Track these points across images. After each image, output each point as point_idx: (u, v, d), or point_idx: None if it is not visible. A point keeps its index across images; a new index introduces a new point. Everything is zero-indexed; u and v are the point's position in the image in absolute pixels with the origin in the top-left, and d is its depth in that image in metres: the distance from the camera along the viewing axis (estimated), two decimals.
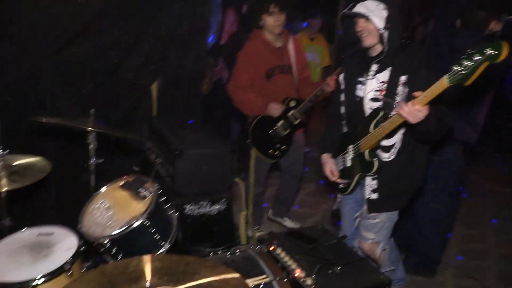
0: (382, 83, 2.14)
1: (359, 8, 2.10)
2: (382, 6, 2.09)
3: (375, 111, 2.15)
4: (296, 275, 1.82)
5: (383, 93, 2.13)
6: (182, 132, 2.62)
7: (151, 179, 2.22)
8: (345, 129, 2.40)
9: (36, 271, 1.80)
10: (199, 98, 3.60)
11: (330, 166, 2.44)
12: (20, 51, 2.58)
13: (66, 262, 1.85)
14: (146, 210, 2.00)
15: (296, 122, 3.19)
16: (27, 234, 2.06)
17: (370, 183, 2.27)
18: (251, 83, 3.11)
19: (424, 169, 2.32)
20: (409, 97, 1.97)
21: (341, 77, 2.39)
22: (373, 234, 2.33)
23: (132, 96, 3.03)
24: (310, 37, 5.18)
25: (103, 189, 2.25)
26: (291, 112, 3.17)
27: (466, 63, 1.65)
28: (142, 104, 3.07)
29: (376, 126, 2.12)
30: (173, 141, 2.45)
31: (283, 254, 1.97)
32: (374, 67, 2.18)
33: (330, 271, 1.86)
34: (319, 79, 5.16)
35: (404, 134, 2.17)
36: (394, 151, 2.20)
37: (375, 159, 2.19)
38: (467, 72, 1.65)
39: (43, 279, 1.77)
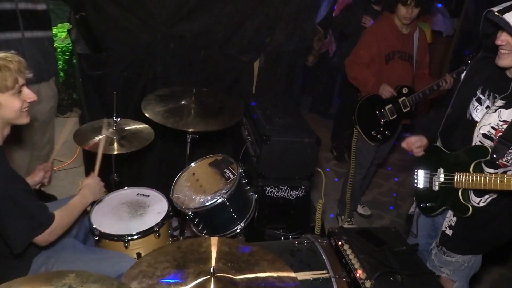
0: (504, 123, 1.79)
1: (509, 18, 1.66)
2: None
3: (482, 150, 1.85)
4: (357, 275, 1.83)
5: (500, 134, 1.79)
6: (274, 115, 2.72)
7: (237, 162, 2.40)
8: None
9: (132, 228, 2.13)
10: (299, 77, 3.65)
11: (414, 139, 2.20)
12: (140, 23, 2.84)
13: (156, 224, 2.15)
14: (227, 191, 2.20)
15: (405, 110, 3.17)
16: (128, 192, 2.41)
17: (451, 217, 2.08)
18: (370, 62, 3.14)
19: None
20: None
21: (462, 76, 2.10)
22: (448, 271, 2.17)
23: (234, 72, 3.18)
24: None
25: (194, 163, 2.49)
26: (402, 98, 3.15)
27: None
28: (242, 80, 3.22)
29: (476, 167, 1.87)
30: (263, 125, 2.58)
31: (349, 252, 1.99)
32: (503, 94, 1.81)
33: (391, 279, 1.83)
34: None
35: None
36: (487, 198, 1.94)
37: (469, 203, 1.95)
38: None
39: (136, 236, 2.09)
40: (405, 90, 3.14)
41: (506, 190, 1.72)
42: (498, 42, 1.75)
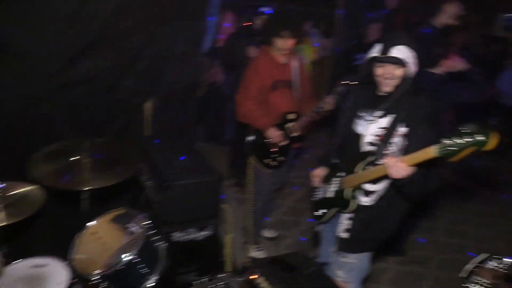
0: (382, 129, 2.17)
1: (396, 53, 2.08)
2: (413, 54, 2.11)
3: (366, 154, 2.21)
4: None
5: (380, 139, 2.16)
6: (172, 157, 2.70)
7: (140, 213, 2.32)
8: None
9: None
10: (194, 111, 3.67)
11: (319, 172, 2.51)
12: (20, 73, 2.62)
13: None
14: (134, 247, 2.11)
15: (294, 135, 3.32)
16: (21, 266, 2.17)
17: (344, 222, 2.34)
18: (258, 94, 3.22)
19: (400, 221, 2.36)
20: (405, 151, 2.01)
21: (344, 103, 2.44)
22: (343, 273, 2.41)
23: (126, 116, 3.10)
24: None
25: (94, 222, 2.35)
26: (290, 124, 3.30)
27: (456, 140, 1.64)
28: (135, 124, 3.14)
29: (363, 168, 2.19)
30: (162, 169, 2.54)
31: (264, 284, 2.07)
32: (380, 110, 2.19)
33: None
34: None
35: (390, 184, 2.20)
36: (374, 197, 2.26)
37: (353, 199, 2.27)
38: (456, 149, 1.64)
39: None
40: (292, 116, 3.30)
41: (381, 176, 2.06)
42: (386, 76, 2.11)
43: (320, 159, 2.59)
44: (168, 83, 3.21)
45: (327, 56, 6.59)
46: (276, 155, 3.33)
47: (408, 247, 3.99)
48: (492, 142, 1.55)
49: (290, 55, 3.29)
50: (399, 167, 1.85)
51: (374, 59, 2.16)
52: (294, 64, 3.33)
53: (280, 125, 3.27)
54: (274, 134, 3.22)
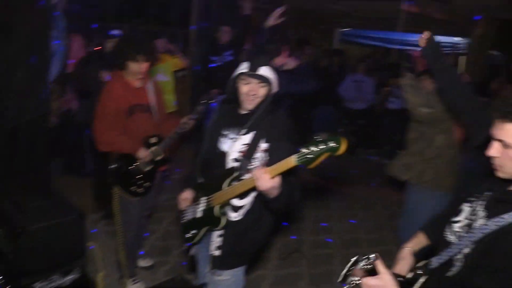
0: (245, 145, 2.25)
1: (264, 72, 2.19)
2: (275, 75, 2.25)
3: (231, 170, 2.25)
4: None
5: (243, 155, 2.23)
6: (24, 199, 2.43)
7: None
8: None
9: None
10: (46, 147, 3.36)
11: (186, 195, 2.48)
12: None
13: None
14: None
15: (158, 158, 3.25)
16: None
17: (216, 239, 2.36)
18: (115, 121, 3.08)
19: (268, 233, 2.47)
20: (267, 165, 2.05)
21: (208, 121, 2.47)
22: None
23: None
24: None
25: None
26: (153, 148, 3.21)
27: (312, 148, 1.76)
28: None
29: (229, 184, 2.22)
30: (13, 214, 2.27)
31: None
32: (242, 128, 2.27)
33: None
34: (175, 94, 5.47)
35: (256, 197, 2.28)
36: (242, 212, 2.32)
37: (223, 216, 2.30)
38: (313, 157, 1.77)
39: None
40: (154, 140, 3.23)
41: (251, 188, 2.11)
42: (252, 93, 2.21)
43: (185, 180, 2.59)
44: (9, 118, 2.88)
45: (186, 75, 6.67)
46: (142, 181, 3.23)
47: (282, 250, 4.20)
48: (343, 147, 1.73)
49: (144, 78, 3.23)
50: (265, 178, 1.92)
51: (242, 75, 2.24)
52: (149, 86, 3.27)
53: (144, 150, 3.19)
54: (145, 154, 3.14)
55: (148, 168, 3.23)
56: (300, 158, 1.81)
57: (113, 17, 6.02)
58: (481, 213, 1.56)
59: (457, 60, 7.12)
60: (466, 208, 1.64)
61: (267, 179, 1.91)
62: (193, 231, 2.46)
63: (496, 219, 1.42)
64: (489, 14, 6.67)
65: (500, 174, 1.50)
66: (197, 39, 6.55)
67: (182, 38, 7.74)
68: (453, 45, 6.82)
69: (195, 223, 2.44)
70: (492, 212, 1.48)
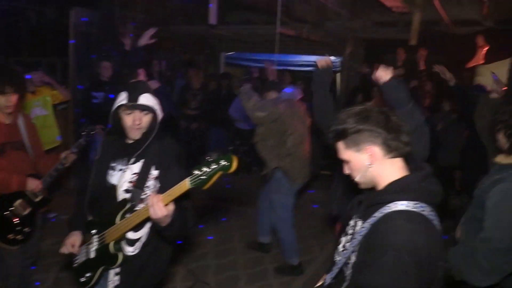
0: (135, 175, 2.17)
1: (144, 101, 2.13)
2: (156, 101, 2.20)
3: (123, 202, 2.15)
4: None
5: (134, 184, 2.16)
6: None
7: None
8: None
9: None
10: None
11: (74, 239, 2.29)
12: None
13: None
14: None
15: (38, 199, 2.96)
16: None
17: (113, 278, 2.23)
18: None
19: (167, 263, 2.39)
20: (160, 193, 2.00)
21: (93, 156, 2.34)
22: None
23: None
24: (31, 90, 4.86)
25: None
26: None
27: (205, 169, 1.76)
28: None
29: (122, 217, 2.11)
30: None
31: None
32: (131, 157, 2.20)
33: None
34: (57, 128, 5.16)
35: (151, 228, 2.21)
36: (138, 245, 2.22)
37: (119, 252, 2.18)
38: (205, 178, 1.76)
39: None
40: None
41: (146, 219, 2.03)
42: (136, 123, 2.14)
43: (71, 222, 2.40)
44: None
45: (68, 107, 6.28)
46: (20, 227, 2.91)
47: (186, 278, 4.08)
48: (234, 165, 1.75)
49: (15, 113, 2.96)
50: (158, 206, 1.85)
51: (123, 106, 2.16)
52: (21, 122, 3.01)
53: (20, 192, 2.89)
54: (35, 184, 2.89)
55: (27, 211, 2.93)
56: (194, 180, 1.79)
57: None
58: (359, 223, 1.64)
59: (335, 76, 7.76)
60: (350, 224, 1.72)
61: (161, 207, 1.86)
62: (88, 274, 2.28)
63: (370, 219, 1.52)
64: (356, 35, 7.41)
65: (362, 186, 1.64)
66: (76, 70, 6.21)
67: (60, 68, 7.31)
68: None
69: (90, 264, 2.27)
70: (366, 216, 1.57)
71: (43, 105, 5.05)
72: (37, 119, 4.74)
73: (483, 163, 3.27)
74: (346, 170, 1.65)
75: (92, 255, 2.25)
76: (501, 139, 2.04)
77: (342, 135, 1.57)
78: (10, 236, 2.86)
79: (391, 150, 1.54)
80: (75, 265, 2.36)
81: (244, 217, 5.71)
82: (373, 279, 1.41)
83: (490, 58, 6.11)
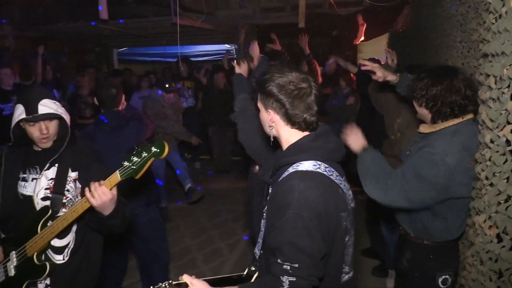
0: (51, 180, 2.08)
1: (45, 110, 2.00)
2: (58, 104, 2.08)
3: (43, 210, 2.05)
4: None
5: (52, 190, 2.07)
6: None
7: None
8: None
9: None
10: None
11: None
12: None
13: None
14: None
15: None
16: None
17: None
18: None
19: (100, 267, 2.33)
20: (83, 193, 1.96)
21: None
22: None
23: None
24: None
25: None
26: None
27: (135, 159, 1.78)
28: None
29: (44, 226, 2.02)
30: None
31: None
32: (43, 164, 2.09)
33: None
34: None
35: (77, 232, 2.14)
36: (67, 251, 2.13)
37: (46, 261, 2.07)
38: (136, 168, 1.78)
39: None
40: None
41: (66, 226, 1.99)
42: (44, 133, 2.04)
43: None
44: None
45: None
46: None
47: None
48: (166, 149, 1.80)
49: None
50: (102, 191, 1.83)
51: (25, 120, 2.03)
52: None
53: None
54: None
55: None
56: (124, 171, 1.81)
57: None
58: (270, 189, 1.70)
59: (232, 63, 7.92)
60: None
61: (105, 190, 1.82)
62: None
63: (274, 185, 1.61)
64: (248, 22, 7.63)
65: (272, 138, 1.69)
66: None
67: None
68: (225, 52, 7.55)
69: (11, 283, 2.11)
70: (273, 182, 1.66)
71: None
72: None
73: (380, 129, 3.67)
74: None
75: (13, 272, 2.10)
76: (422, 111, 2.20)
77: (259, 87, 1.63)
78: None
79: (292, 123, 1.61)
80: None
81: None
82: (279, 239, 1.47)
83: (369, 35, 6.70)
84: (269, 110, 1.62)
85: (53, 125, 2.07)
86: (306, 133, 1.64)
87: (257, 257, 1.75)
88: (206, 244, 4.73)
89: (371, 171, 2.13)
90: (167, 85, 5.52)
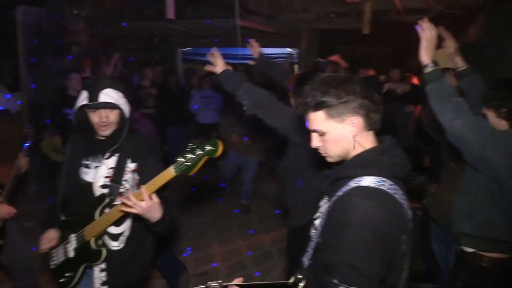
0: (111, 169, 2.16)
1: (105, 98, 2.07)
2: (120, 94, 2.14)
3: (101, 197, 2.13)
4: None
5: (111, 179, 2.14)
6: None
7: None
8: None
9: None
10: None
11: (50, 235, 2.24)
12: None
13: None
14: None
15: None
16: None
17: (99, 275, 2.19)
18: None
19: (152, 257, 2.38)
20: (139, 184, 2.01)
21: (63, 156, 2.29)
22: None
23: None
24: None
25: None
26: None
27: (189, 156, 1.79)
28: None
29: (101, 213, 2.09)
30: None
31: None
32: (104, 153, 2.17)
33: None
34: None
35: (133, 221, 2.20)
36: (123, 239, 2.20)
37: (102, 247, 2.15)
38: (190, 164, 1.79)
39: None
40: None
41: (122, 215, 2.05)
42: (103, 120, 2.11)
43: (45, 222, 2.34)
44: None
45: (20, 111, 6.03)
46: None
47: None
48: (220, 149, 1.80)
49: None
50: (145, 200, 1.84)
51: (85, 106, 2.12)
52: None
53: None
54: (8, 210, 2.81)
55: None
56: (179, 167, 1.81)
57: None
58: (325, 201, 1.60)
59: (293, 68, 7.90)
60: (322, 203, 1.69)
61: (146, 199, 1.85)
62: (68, 274, 2.22)
63: (333, 198, 1.51)
64: (310, 26, 7.56)
65: (330, 159, 1.59)
66: (27, 71, 5.94)
67: (9, 71, 6.99)
68: (287, 56, 7.51)
69: (69, 264, 2.22)
70: (331, 194, 1.56)
71: None
72: None
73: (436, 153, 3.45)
74: (315, 143, 1.58)
75: (71, 254, 2.20)
76: (499, 122, 2.16)
77: (323, 105, 1.49)
78: None
79: (371, 123, 1.52)
80: (52, 266, 2.29)
81: (211, 210, 5.71)
82: (337, 258, 1.39)
83: (437, 44, 6.39)
84: (351, 118, 1.49)
85: (113, 114, 2.15)
86: (374, 138, 1.57)
87: (305, 266, 1.69)
88: (256, 247, 4.72)
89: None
90: None
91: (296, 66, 8.22)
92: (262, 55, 3.18)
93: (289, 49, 8.50)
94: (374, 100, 1.50)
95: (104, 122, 2.12)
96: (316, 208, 1.72)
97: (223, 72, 2.58)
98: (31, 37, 5.97)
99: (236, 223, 5.41)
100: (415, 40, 2.23)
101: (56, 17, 6.49)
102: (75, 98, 2.22)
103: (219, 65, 2.58)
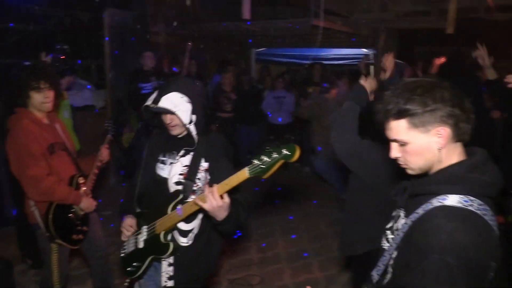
0: (185, 167, 2.20)
1: (164, 103, 2.08)
2: (186, 99, 2.10)
3: (175, 193, 2.18)
4: None
5: (185, 176, 2.19)
6: None
7: None
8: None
9: None
10: None
11: (130, 221, 2.32)
12: None
13: None
14: None
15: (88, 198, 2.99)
16: None
17: (167, 269, 2.23)
18: (42, 161, 2.72)
19: (219, 255, 2.41)
20: (210, 184, 2.01)
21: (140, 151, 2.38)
22: None
23: None
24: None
25: None
26: (82, 189, 2.94)
27: (265, 159, 1.77)
28: None
29: (174, 208, 2.14)
30: None
31: None
32: (179, 150, 2.23)
33: None
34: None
35: (202, 219, 2.23)
36: (191, 236, 2.24)
37: (170, 242, 2.20)
38: (265, 167, 1.77)
39: None
40: (81, 179, 2.98)
41: (193, 212, 2.08)
42: (168, 122, 2.16)
43: (124, 208, 2.44)
44: None
45: (104, 107, 6.44)
46: (79, 227, 2.95)
47: (232, 272, 4.10)
48: (297, 153, 1.75)
49: (53, 114, 2.96)
50: (214, 197, 1.86)
51: (148, 107, 2.19)
52: (57, 124, 3.00)
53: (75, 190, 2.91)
54: (89, 204, 2.95)
55: (83, 212, 2.97)
56: (253, 169, 1.80)
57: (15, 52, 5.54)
58: (402, 213, 1.53)
59: (369, 69, 7.65)
60: (396, 213, 1.60)
61: (216, 197, 1.87)
62: (136, 264, 2.30)
63: (412, 215, 1.40)
64: (389, 26, 7.27)
65: (410, 172, 1.47)
66: (111, 69, 6.32)
67: (96, 70, 7.47)
68: (363, 56, 7.30)
69: (138, 254, 2.30)
70: (409, 209, 1.46)
71: (69, 108, 4.97)
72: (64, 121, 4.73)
73: None
74: (395, 153, 1.46)
75: (141, 245, 2.28)
76: None
77: (406, 113, 1.37)
78: (74, 236, 2.91)
79: (460, 133, 1.37)
80: (123, 254, 2.40)
81: (281, 212, 5.68)
82: (417, 284, 1.28)
83: None
84: (438, 128, 1.35)
85: (176, 117, 2.13)
86: (462, 150, 1.42)
87: (374, 281, 1.58)
88: (322, 251, 4.62)
89: None
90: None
91: (372, 68, 7.95)
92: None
93: (365, 50, 8.24)
94: (465, 108, 1.35)
95: (169, 123, 2.18)
96: (388, 217, 1.63)
97: (360, 85, 2.50)
98: (116, 38, 6.33)
99: (305, 226, 5.33)
100: (506, 40, 2.00)
101: (140, 19, 6.84)
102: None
103: (367, 83, 2.51)
